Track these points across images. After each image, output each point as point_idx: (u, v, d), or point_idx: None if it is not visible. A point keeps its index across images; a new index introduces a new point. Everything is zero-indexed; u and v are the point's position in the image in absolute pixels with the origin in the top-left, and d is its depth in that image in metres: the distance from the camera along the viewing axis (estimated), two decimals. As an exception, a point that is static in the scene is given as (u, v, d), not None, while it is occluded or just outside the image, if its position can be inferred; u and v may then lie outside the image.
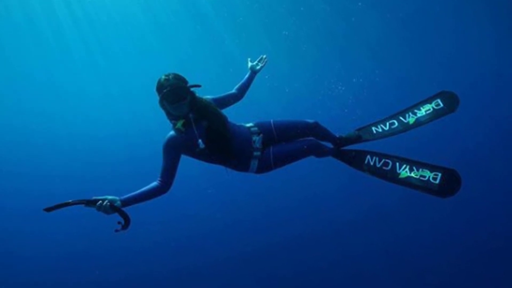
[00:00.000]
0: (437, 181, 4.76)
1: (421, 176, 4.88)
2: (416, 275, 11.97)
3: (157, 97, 4.25)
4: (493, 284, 11.17)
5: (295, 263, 13.02)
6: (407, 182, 4.95)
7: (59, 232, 12.73)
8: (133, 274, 13.07)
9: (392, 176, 5.07)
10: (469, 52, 13.40)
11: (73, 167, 14.21)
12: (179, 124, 4.28)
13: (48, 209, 3.72)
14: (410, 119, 5.40)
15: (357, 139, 5.47)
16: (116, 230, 3.92)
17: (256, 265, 13.24)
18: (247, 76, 5.48)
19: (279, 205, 13.96)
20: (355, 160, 5.37)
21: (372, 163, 5.25)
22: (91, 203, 3.83)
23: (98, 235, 10.40)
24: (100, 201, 3.84)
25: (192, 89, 4.31)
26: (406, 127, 5.38)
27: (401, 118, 5.48)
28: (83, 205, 3.84)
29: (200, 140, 4.29)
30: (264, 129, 4.86)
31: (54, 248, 13.11)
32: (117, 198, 3.96)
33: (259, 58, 5.69)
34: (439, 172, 4.81)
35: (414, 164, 5.01)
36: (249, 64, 5.59)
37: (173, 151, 4.30)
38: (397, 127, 5.43)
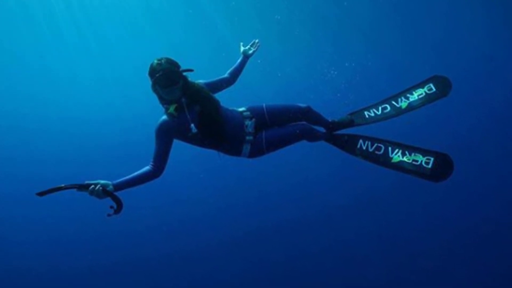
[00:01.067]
0: (430, 166, 4.78)
1: (413, 160, 4.90)
2: (408, 259, 12.03)
3: (149, 82, 4.23)
4: (485, 268, 11.24)
5: (287, 247, 13.05)
6: (400, 167, 4.97)
7: (52, 216, 12.74)
8: (125, 259, 13.11)
9: (384, 161, 5.08)
10: (461, 36, 13.42)
11: (66, 152, 14.20)
12: (172, 108, 4.26)
13: (41, 194, 3.71)
14: (403, 103, 5.41)
15: (350, 123, 5.47)
16: (109, 215, 3.93)
17: (248, 249, 13.28)
18: (239, 60, 5.47)
19: (271, 189, 13.99)
20: (348, 144, 5.37)
21: (364, 148, 5.26)
22: (83, 187, 3.82)
23: (91, 219, 10.41)
24: (93, 186, 3.83)
25: (184, 73, 4.29)
26: (398, 112, 5.39)
27: (393, 102, 5.48)
28: (75, 190, 3.83)
29: (192, 125, 4.29)
30: (256, 113, 4.85)
31: (46, 233, 13.13)
32: (109, 182, 3.95)
33: (252, 42, 5.68)
34: (432, 156, 4.83)
35: (406, 148, 5.02)
36: (242, 48, 5.58)
37: (165, 136, 4.30)
38: (389, 111, 5.44)
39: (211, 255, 13.23)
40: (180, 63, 4.31)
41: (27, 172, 13.26)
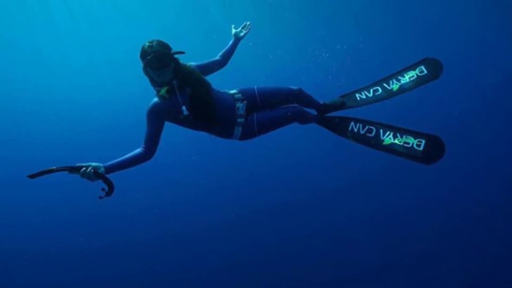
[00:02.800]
0: (421, 148, 4.80)
1: (405, 143, 4.91)
2: (400, 242, 12.08)
3: (141, 64, 4.23)
4: (476, 250, 11.30)
5: (279, 230, 13.07)
6: (391, 149, 4.98)
7: (43, 199, 12.71)
8: (116, 241, 13.09)
9: (376, 143, 5.10)
10: (453, 19, 13.40)
11: (57, 134, 14.14)
12: (163, 91, 4.26)
13: (32, 176, 3.70)
14: (394, 85, 5.41)
15: (341, 105, 5.48)
16: (100, 197, 3.93)
17: (240, 232, 13.29)
18: (230, 43, 5.47)
19: (263, 172, 13.98)
20: (339, 126, 5.38)
21: (356, 130, 5.27)
22: (74, 170, 3.82)
23: (82, 202, 10.42)
24: (84, 168, 3.83)
25: (176, 55, 4.28)
26: (390, 94, 5.40)
27: (385, 84, 5.49)
28: (66, 172, 3.82)
29: (184, 107, 4.27)
30: (248, 96, 4.85)
31: (37, 215, 13.09)
32: (101, 165, 3.96)
33: (243, 24, 5.67)
34: (423, 138, 4.85)
35: (398, 130, 5.04)
36: (233, 31, 5.58)
37: (156, 118, 4.30)
38: (381, 93, 5.44)
39: (202, 237, 13.23)
40: (171, 45, 4.31)
41: (18, 155, 13.21)
